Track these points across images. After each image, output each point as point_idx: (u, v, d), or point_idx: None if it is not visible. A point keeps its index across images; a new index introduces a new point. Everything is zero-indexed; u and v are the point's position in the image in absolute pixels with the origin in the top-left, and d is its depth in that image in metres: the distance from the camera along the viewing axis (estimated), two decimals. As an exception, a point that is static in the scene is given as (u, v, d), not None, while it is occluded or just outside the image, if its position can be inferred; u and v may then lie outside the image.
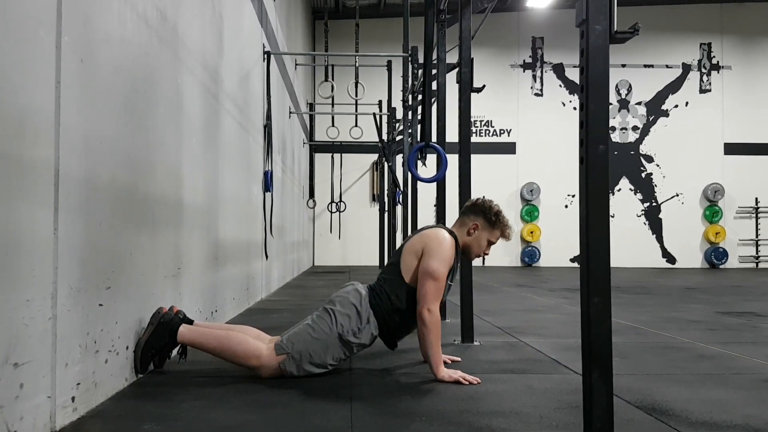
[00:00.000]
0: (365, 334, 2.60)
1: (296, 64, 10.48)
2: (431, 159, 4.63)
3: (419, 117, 6.40)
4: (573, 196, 15.05)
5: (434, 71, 4.11)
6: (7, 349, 1.56)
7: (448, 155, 3.77)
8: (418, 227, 6.68)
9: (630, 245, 14.35)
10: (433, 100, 4.04)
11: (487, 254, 2.83)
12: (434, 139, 3.90)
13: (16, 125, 1.60)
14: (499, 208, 2.85)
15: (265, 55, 6.30)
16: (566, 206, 15.05)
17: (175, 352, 2.68)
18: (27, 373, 1.65)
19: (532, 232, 15.00)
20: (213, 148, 3.92)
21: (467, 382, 2.47)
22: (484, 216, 2.79)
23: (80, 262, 1.96)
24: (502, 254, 15.00)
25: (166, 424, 1.93)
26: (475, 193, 3.53)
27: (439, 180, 3.89)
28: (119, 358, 2.31)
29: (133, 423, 1.94)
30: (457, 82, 3.44)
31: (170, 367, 2.73)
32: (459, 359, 2.97)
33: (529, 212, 15.09)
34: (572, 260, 14.98)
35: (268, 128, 6.21)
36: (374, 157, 14.35)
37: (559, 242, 14.74)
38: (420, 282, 2.60)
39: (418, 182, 5.97)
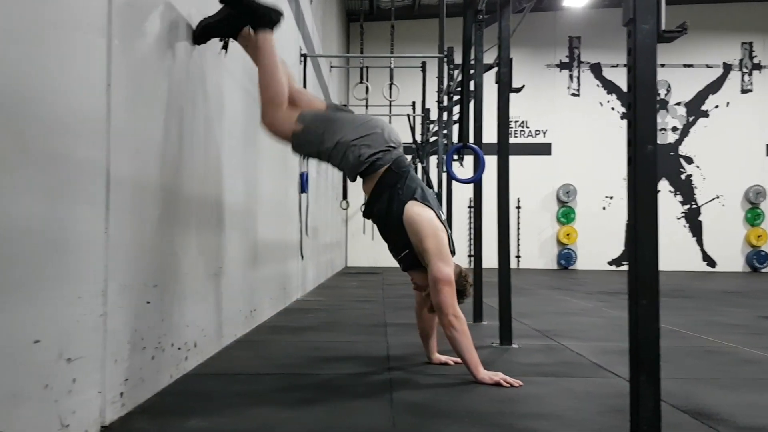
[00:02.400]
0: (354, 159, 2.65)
1: (331, 67, 10.54)
2: (468, 160, 4.62)
3: (455, 118, 6.41)
4: (611, 197, 14.84)
5: (471, 71, 4.09)
6: (61, 344, 1.60)
7: (484, 156, 3.75)
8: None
9: (669, 248, 14.02)
10: (470, 100, 4.03)
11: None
12: (471, 139, 3.89)
13: (70, 127, 1.65)
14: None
15: (302, 58, 6.36)
16: (604, 208, 14.85)
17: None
18: (79, 368, 1.69)
19: (568, 235, 14.84)
20: (252, 149, 3.98)
21: (508, 385, 2.45)
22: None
23: (129, 261, 2.01)
24: (537, 256, 14.87)
25: (211, 420, 1.96)
26: (512, 195, 3.52)
27: (476, 181, 3.87)
28: (165, 354, 2.35)
29: (179, 418, 1.98)
30: (496, 83, 3.42)
31: (212, 367, 2.78)
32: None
33: (566, 214, 14.92)
34: (610, 263, 14.78)
35: (304, 130, 6.24)
36: (407, 158, 14.36)
37: (597, 245, 14.55)
38: (434, 290, 2.55)
39: (453, 183, 5.96)
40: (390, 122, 10.74)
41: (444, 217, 2.72)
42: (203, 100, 2.85)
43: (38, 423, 1.50)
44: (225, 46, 2.85)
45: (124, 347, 1.98)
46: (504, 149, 3.42)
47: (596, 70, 15.22)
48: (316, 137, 2.68)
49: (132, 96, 2.04)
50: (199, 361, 2.81)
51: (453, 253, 2.68)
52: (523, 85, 3.66)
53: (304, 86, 6.35)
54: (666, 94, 15.16)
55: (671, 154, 15.12)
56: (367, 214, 2.78)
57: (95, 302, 1.78)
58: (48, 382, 1.54)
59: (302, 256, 6.31)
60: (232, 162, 3.41)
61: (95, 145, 1.79)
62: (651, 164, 1.66)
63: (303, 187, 6.16)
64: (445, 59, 6.36)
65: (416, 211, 2.61)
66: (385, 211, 2.66)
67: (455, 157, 3.88)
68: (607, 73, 15.18)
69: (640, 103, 1.67)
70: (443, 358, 2.91)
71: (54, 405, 1.57)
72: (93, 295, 1.77)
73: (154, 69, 2.25)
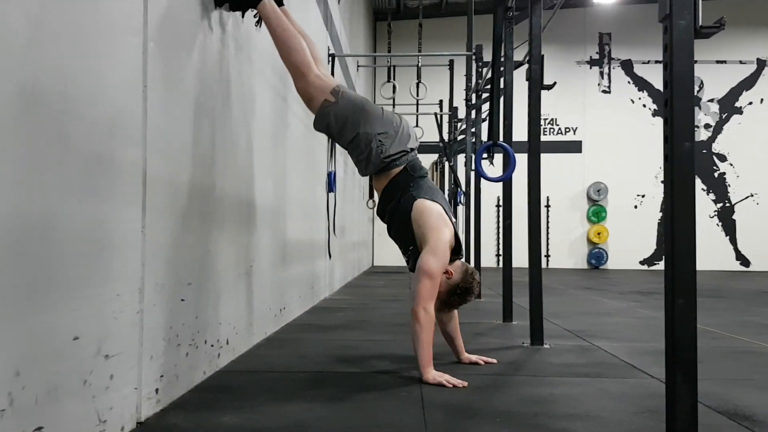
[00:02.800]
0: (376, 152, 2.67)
1: (358, 66, 10.56)
2: (497, 158, 4.59)
3: (483, 116, 6.37)
4: (642, 196, 14.64)
5: (501, 68, 4.06)
6: (99, 341, 1.63)
7: (515, 154, 3.72)
8: (473, 224, 6.67)
9: (702, 247, 13.59)
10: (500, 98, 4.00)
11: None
12: (501, 137, 3.86)
13: (109, 128, 1.68)
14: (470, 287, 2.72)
15: (330, 58, 6.38)
16: (635, 207, 14.65)
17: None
18: (116, 364, 1.73)
19: (599, 234, 14.67)
20: (281, 149, 4.00)
21: (451, 385, 2.40)
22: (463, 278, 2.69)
23: (164, 259, 2.04)
24: (567, 256, 14.72)
25: (244, 417, 1.98)
26: (541, 193, 3.48)
27: (507, 180, 3.85)
28: (198, 351, 2.38)
29: (213, 415, 2.00)
30: (527, 80, 3.40)
31: (244, 364, 2.81)
32: (494, 361, 2.89)
33: (596, 213, 14.75)
34: (642, 263, 14.57)
35: (332, 129, 6.27)
36: (434, 157, 14.31)
37: (628, 244, 14.36)
38: (416, 278, 2.54)
39: (481, 182, 5.93)
40: (417, 121, 10.62)
41: (455, 221, 2.72)
42: (234, 100, 2.88)
43: (77, 418, 1.53)
44: (258, 23, 2.89)
45: (160, 344, 2.01)
46: (535, 147, 3.39)
47: (627, 66, 15.01)
48: (342, 118, 2.69)
49: (166, 97, 2.07)
50: (231, 358, 2.84)
51: (460, 249, 2.68)
52: (555, 82, 3.63)
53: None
54: (698, 91, 14.88)
55: (704, 151, 14.84)
56: (380, 213, 2.81)
57: (132, 300, 1.81)
58: (87, 378, 1.57)
59: (330, 255, 6.33)
60: (262, 161, 3.44)
61: (133, 145, 1.82)
62: (688, 161, 1.64)
63: (330, 186, 6.17)
64: (474, 57, 6.32)
65: (426, 205, 2.62)
66: (396, 207, 2.69)
67: (485, 155, 3.85)
68: (639, 70, 14.95)
69: (677, 100, 1.64)
70: (473, 357, 2.90)
71: (92, 401, 1.60)
72: (130, 293, 1.80)
73: (187, 70, 2.28)
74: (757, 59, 14.89)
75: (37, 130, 1.37)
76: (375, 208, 2.83)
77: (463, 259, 2.75)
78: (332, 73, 6.33)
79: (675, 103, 1.64)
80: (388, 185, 2.72)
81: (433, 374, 2.46)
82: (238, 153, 2.95)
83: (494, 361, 2.90)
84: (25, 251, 1.33)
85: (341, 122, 2.70)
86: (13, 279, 1.30)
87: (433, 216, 2.60)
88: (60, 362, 1.46)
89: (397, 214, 2.71)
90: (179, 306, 2.17)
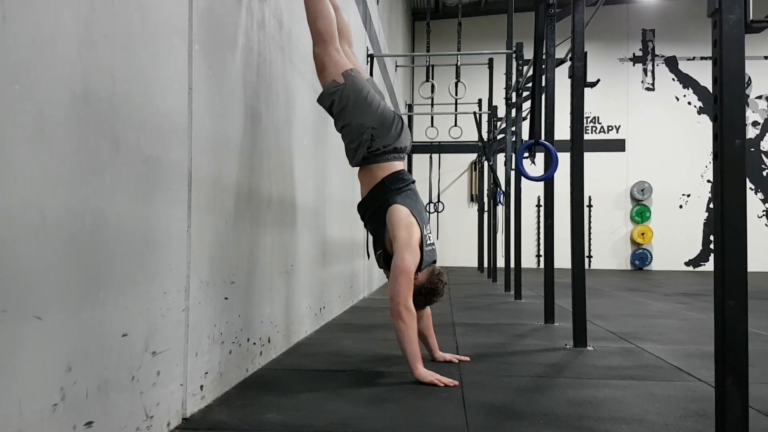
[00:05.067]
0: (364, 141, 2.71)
1: (396, 66, 10.56)
2: (539, 157, 4.53)
3: (524, 114, 6.30)
4: (688, 195, 14.30)
5: (542, 66, 4.01)
6: (147, 338, 1.67)
7: (557, 153, 3.67)
8: (496, 223, 6.58)
9: (750, 248, 13.33)
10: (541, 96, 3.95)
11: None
12: (542, 136, 3.82)
13: (156, 129, 1.72)
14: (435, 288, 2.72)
15: (369, 58, 6.39)
16: (681, 206, 14.32)
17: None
18: (163, 361, 1.76)
19: (643, 234, 14.37)
20: (321, 149, 4.03)
21: (443, 384, 2.40)
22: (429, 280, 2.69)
23: (209, 258, 2.07)
24: (610, 257, 14.47)
25: (287, 414, 2.00)
26: (585, 192, 3.42)
27: (548, 179, 3.80)
28: (241, 349, 2.42)
29: (257, 412, 2.02)
30: (570, 77, 3.35)
31: (285, 363, 2.83)
32: (467, 359, 2.92)
33: (640, 213, 14.46)
34: (687, 263, 14.23)
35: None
36: (473, 156, 14.24)
37: (673, 244, 14.04)
38: (392, 276, 2.56)
39: (522, 181, 5.87)
40: (456, 121, 10.53)
41: (428, 233, 2.71)
42: (276, 101, 2.92)
43: (125, 414, 1.57)
44: None
45: (204, 341, 2.05)
46: (578, 146, 3.34)
47: (671, 63, 14.67)
48: (344, 101, 2.70)
49: (211, 98, 2.11)
50: (273, 356, 2.87)
51: (434, 259, 2.70)
52: (599, 80, 3.57)
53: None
54: (746, 87, 14.44)
55: (752, 149, 14.41)
56: (360, 211, 2.83)
57: (178, 297, 1.85)
58: (135, 374, 1.61)
59: (368, 255, 6.35)
60: (303, 161, 3.47)
61: (179, 145, 1.85)
62: (739, 160, 1.60)
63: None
64: (514, 55, 6.26)
65: (398, 208, 2.64)
66: (376, 208, 2.71)
67: (526, 154, 3.81)
68: (683, 67, 14.60)
69: (728, 97, 1.60)
70: (447, 356, 2.91)
71: (140, 396, 1.64)
72: (177, 291, 1.83)
73: (230, 72, 2.32)
74: (809, 54, 14.39)
75: (88, 132, 1.41)
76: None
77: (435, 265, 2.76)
78: (371, 73, 6.36)
79: (725, 100, 1.60)
80: (370, 193, 2.74)
81: (425, 372, 2.47)
82: (280, 153, 2.98)
83: (467, 359, 2.92)
84: (78, 249, 1.37)
85: (342, 105, 2.71)
86: (67, 276, 1.34)
87: (403, 214, 2.63)
88: (109, 358, 1.50)
89: (374, 217, 2.75)
90: (223, 304, 2.21)
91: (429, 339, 2.93)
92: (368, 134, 2.67)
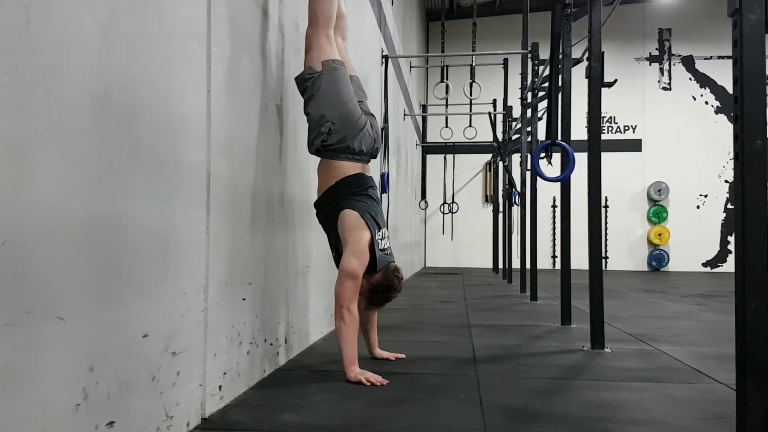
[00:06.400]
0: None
1: (411, 66, 10.56)
2: (555, 158, 4.51)
3: (539, 114, 6.27)
4: (705, 196, 14.15)
5: (559, 66, 3.99)
6: (167, 338, 1.68)
7: (573, 154, 3.65)
8: (513, 225, 6.55)
9: (769, 249, 13.23)
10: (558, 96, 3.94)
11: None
12: (559, 137, 3.80)
13: (175, 132, 1.73)
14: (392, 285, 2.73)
15: (383, 59, 6.40)
16: (698, 207, 14.17)
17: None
18: (183, 361, 1.78)
19: (660, 235, 14.24)
20: (338, 150, 4.03)
21: (369, 383, 2.42)
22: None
23: (227, 259, 2.09)
24: (626, 258, 14.36)
25: (303, 415, 2.01)
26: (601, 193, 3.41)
27: (565, 179, 3.78)
28: (259, 349, 2.43)
29: (274, 412, 2.04)
30: (587, 77, 3.33)
31: (301, 363, 2.84)
32: (403, 356, 2.97)
33: (657, 213, 14.33)
34: (705, 264, 14.10)
35: (385, 130, 6.30)
36: (487, 157, 14.19)
37: (691, 245, 13.90)
38: (339, 279, 2.57)
39: (538, 182, 5.84)
40: (471, 121, 10.50)
41: (382, 237, 2.70)
42: (293, 103, 2.93)
43: (146, 414, 1.58)
44: None
45: (222, 342, 2.06)
46: (595, 146, 3.33)
47: (688, 63, 14.52)
48: (315, 89, 2.68)
49: (229, 101, 2.12)
50: (289, 357, 2.88)
51: (390, 261, 2.70)
52: (616, 80, 3.55)
53: (386, 87, 6.40)
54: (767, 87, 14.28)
55: (772, 148, 14.23)
56: (315, 207, 2.83)
57: (197, 298, 1.86)
58: (155, 375, 1.62)
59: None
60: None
61: (198, 147, 1.87)
62: (760, 160, 1.58)
63: (384, 187, 6.20)
64: (530, 55, 6.23)
65: (348, 213, 2.65)
66: (329, 212, 2.72)
67: (542, 154, 3.79)
68: (700, 66, 14.45)
69: (748, 96, 1.59)
70: (384, 353, 2.96)
71: (160, 397, 1.65)
72: (196, 292, 1.85)
73: (248, 74, 2.33)
74: (830, 52, 14.20)
75: (108, 135, 1.43)
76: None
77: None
78: (385, 75, 6.36)
79: (746, 100, 1.59)
80: (324, 195, 2.73)
81: (355, 372, 2.50)
82: (296, 155, 2.99)
83: (403, 356, 2.97)
84: (99, 251, 1.39)
85: (312, 93, 2.70)
86: (88, 278, 1.35)
87: (353, 218, 2.63)
88: (130, 359, 1.51)
89: (327, 220, 2.76)
90: (240, 305, 2.22)
91: (371, 333, 3.00)
92: (326, 128, 2.66)
